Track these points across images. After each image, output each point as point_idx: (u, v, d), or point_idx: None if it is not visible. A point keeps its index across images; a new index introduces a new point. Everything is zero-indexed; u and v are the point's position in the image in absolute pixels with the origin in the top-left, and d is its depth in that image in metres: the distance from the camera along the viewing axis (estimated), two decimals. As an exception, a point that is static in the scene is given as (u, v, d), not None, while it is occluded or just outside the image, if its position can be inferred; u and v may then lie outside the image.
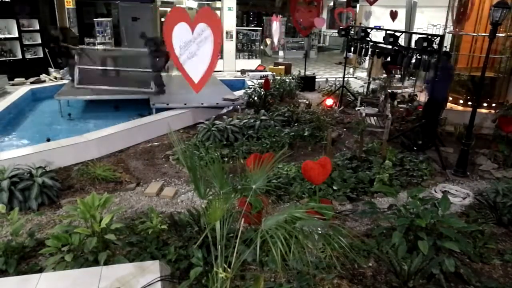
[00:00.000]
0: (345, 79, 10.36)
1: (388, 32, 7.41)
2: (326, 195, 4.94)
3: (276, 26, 15.24)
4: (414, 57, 6.80)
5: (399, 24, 12.76)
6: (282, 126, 7.39)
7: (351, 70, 13.56)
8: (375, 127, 7.16)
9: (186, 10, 7.69)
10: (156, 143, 6.94)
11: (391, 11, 13.16)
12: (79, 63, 8.90)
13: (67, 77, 11.23)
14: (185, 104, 8.22)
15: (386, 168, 5.52)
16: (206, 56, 7.44)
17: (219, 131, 6.71)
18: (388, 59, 8.04)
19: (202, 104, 8.31)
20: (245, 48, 14.72)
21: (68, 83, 9.86)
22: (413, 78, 10.86)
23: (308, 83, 11.69)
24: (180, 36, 7.17)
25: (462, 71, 8.64)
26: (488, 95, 8.19)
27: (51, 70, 11.35)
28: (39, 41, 11.51)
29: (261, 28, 17.04)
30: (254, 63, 14.55)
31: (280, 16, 17.32)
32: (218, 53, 7.78)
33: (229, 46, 14.09)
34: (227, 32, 13.81)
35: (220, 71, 13.80)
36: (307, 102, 9.59)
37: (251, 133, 6.96)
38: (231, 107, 8.94)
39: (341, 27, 10.22)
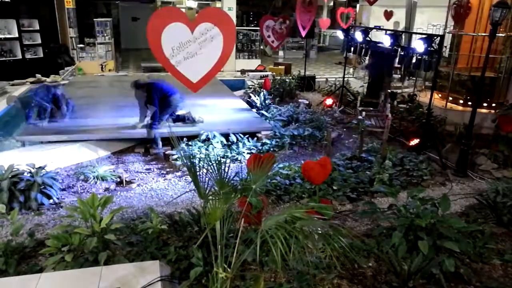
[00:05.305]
0: (345, 79, 10.37)
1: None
2: (326, 195, 4.94)
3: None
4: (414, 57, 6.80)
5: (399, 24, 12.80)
6: (282, 126, 7.39)
7: (351, 70, 13.56)
8: (375, 127, 7.16)
9: (180, 9, 7.49)
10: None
11: (385, 11, 13.17)
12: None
13: (66, 77, 11.26)
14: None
15: (386, 168, 5.52)
16: (211, 56, 7.25)
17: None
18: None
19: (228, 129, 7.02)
20: (245, 48, 14.69)
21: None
22: (413, 78, 10.86)
23: (308, 83, 11.69)
24: (174, 37, 6.93)
25: (462, 71, 8.63)
26: (488, 95, 8.19)
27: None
28: (39, 41, 11.50)
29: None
30: (254, 63, 14.52)
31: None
32: (229, 54, 7.42)
33: (229, 46, 14.08)
34: (227, 32, 13.79)
35: (220, 71, 13.77)
36: (307, 102, 9.59)
37: (251, 133, 6.97)
38: None
39: (343, 28, 10.23)
